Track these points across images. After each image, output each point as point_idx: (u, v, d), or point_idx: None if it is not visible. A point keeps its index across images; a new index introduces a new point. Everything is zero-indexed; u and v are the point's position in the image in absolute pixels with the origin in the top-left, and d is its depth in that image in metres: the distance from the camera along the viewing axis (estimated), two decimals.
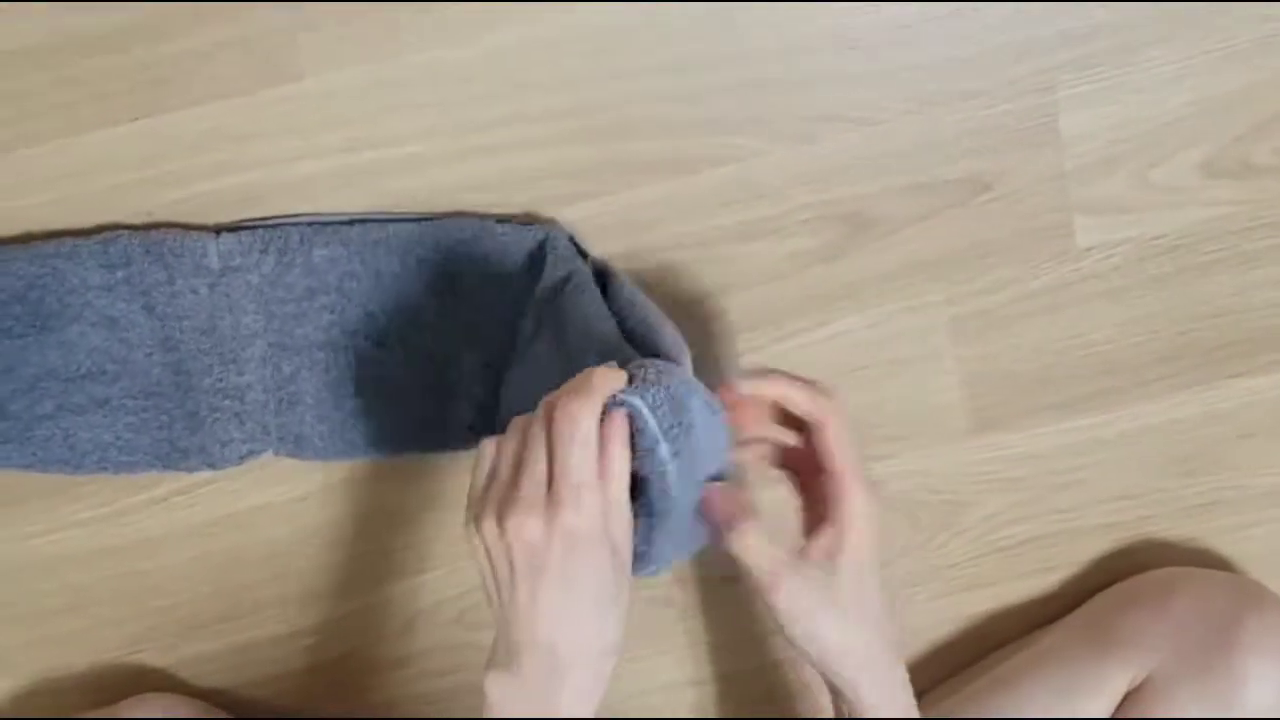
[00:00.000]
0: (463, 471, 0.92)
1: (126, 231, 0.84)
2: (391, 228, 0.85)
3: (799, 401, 0.72)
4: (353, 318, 0.87)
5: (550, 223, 0.87)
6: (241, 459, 0.89)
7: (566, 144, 0.87)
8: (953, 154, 0.89)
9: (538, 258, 0.85)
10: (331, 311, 0.86)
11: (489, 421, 0.89)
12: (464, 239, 0.85)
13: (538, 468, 0.67)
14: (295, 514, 0.93)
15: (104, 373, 0.86)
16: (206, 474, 0.91)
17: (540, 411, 0.69)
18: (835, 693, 0.74)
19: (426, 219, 0.86)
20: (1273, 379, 0.96)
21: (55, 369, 0.86)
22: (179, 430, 0.88)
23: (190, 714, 0.93)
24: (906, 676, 0.75)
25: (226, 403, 0.87)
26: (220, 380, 0.87)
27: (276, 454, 0.90)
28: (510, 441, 0.69)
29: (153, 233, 0.84)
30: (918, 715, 0.75)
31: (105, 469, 0.88)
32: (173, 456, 0.89)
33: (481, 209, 0.87)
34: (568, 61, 0.85)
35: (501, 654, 0.70)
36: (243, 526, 0.93)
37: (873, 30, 0.86)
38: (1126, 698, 0.89)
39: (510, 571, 0.68)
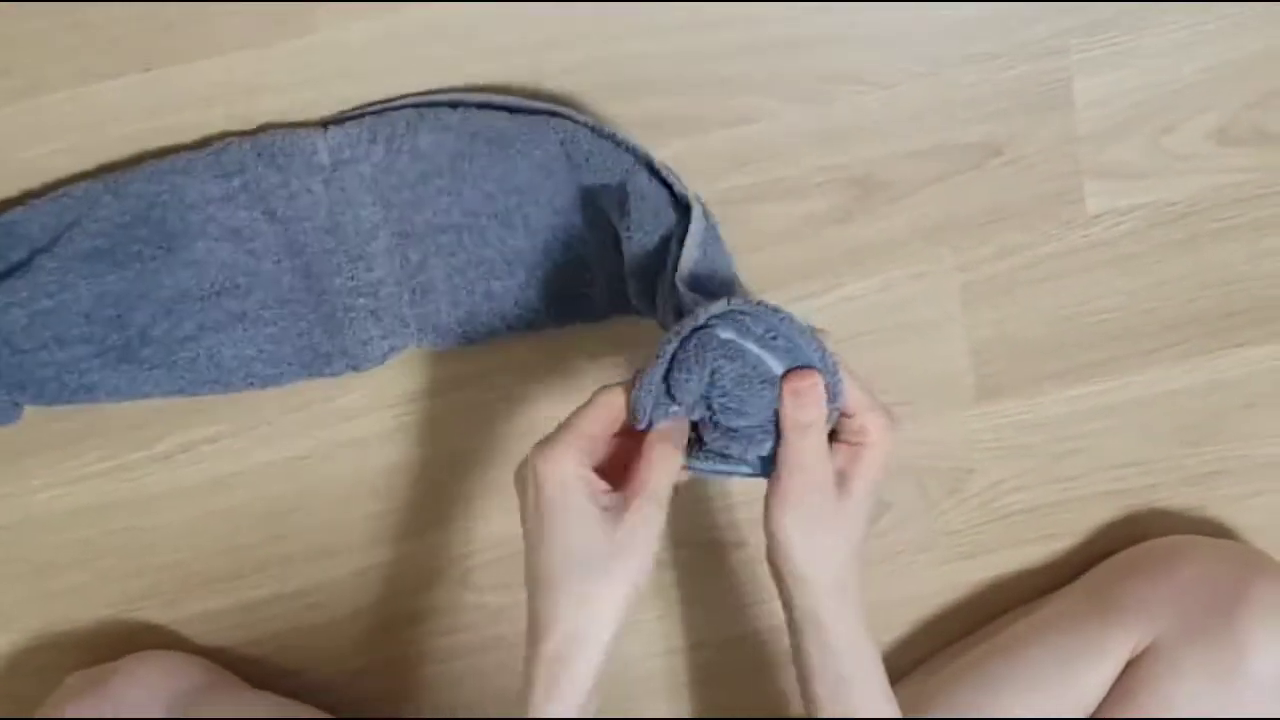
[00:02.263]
0: (471, 433, 0.93)
1: (236, 138, 0.83)
2: (484, 119, 0.83)
3: None
4: (471, 198, 0.85)
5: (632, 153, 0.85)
6: (384, 356, 0.88)
7: (581, 101, 0.86)
8: (965, 118, 0.89)
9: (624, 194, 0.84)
10: (448, 194, 0.84)
11: (623, 295, 0.86)
12: (558, 139, 0.84)
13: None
14: (299, 472, 0.93)
15: (237, 286, 0.85)
16: (215, 429, 0.91)
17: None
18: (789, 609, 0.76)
19: (520, 109, 0.84)
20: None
21: (188, 289, 0.85)
22: (319, 335, 0.87)
23: (192, 671, 0.93)
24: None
25: (360, 301, 0.86)
26: (351, 279, 0.85)
27: (419, 346, 0.88)
28: None
29: (261, 136, 0.83)
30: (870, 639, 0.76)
31: (253, 384, 0.87)
32: (316, 363, 0.88)
33: None
34: (578, 19, 0.84)
35: None
36: (246, 484, 0.93)
37: None
38: (1129, 665, 0.90)
39: None
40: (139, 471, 0.92)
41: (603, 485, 0.71)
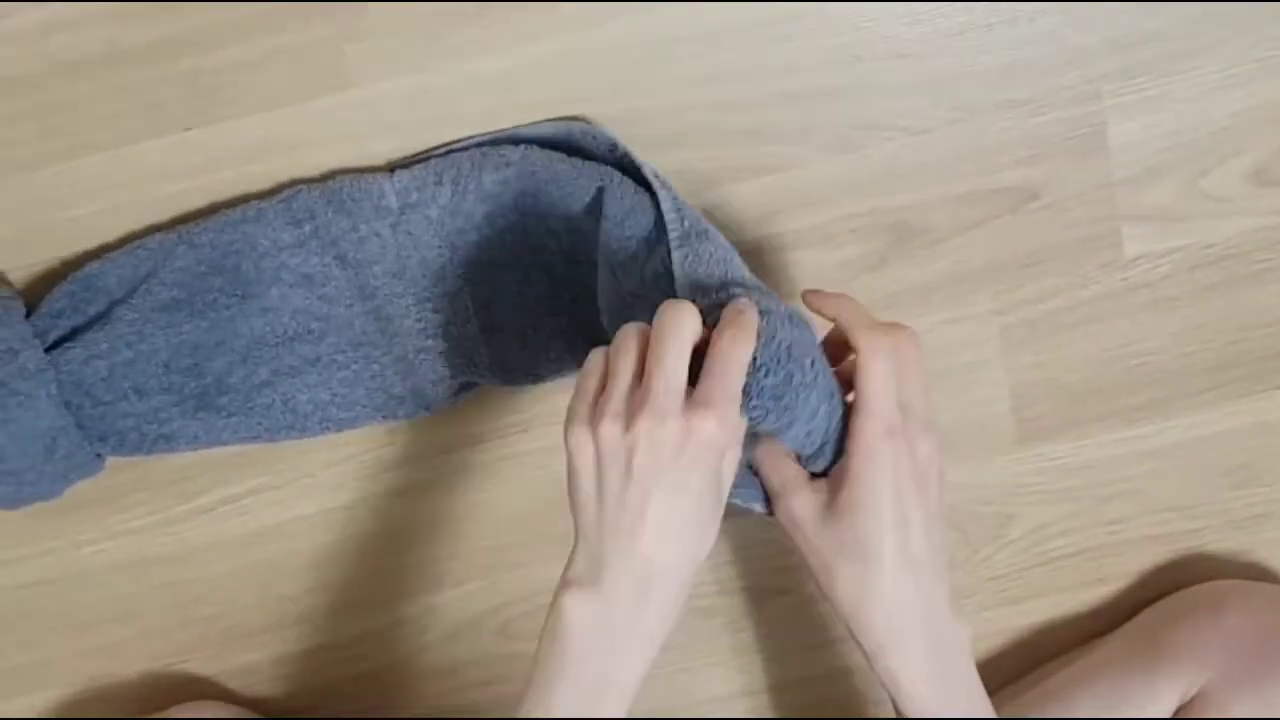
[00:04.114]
0: (510, 480, 0.93)
1: (305, 185, 0.84)
2: (543, 157, 0.83)
3: (853, 326, 0.73)
4: (536, 235, 0.84)
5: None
6: (457, 396, 0.88)
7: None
8: (1000, 163, 0.89)
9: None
10: (513, 233, 0.84)
11: None
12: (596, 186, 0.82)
13: (671, 374, 0.67)
14: (340, 524, 0.94)
15: (310, 331, 0.86)
16: (258, 481, 0.92)
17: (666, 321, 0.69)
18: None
19: (578, 152, 0.84)
20: None
21: (263, 336, 0.85)
22: (391, 377, 0.87)
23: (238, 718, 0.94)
24: (956, 639, 0.74)
25: (430, 342, 0.86)
26: (419, 320, 0.86)
27: (490, 384, 0.89)
28: (630, 349, 0.69)
29: (330, 182, 0.84)
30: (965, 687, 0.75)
31: (328, 428, 0.88)
32: (389, 405, 0.88)
33: None
34: (613, 72, 0.85)
35: (585, 569, 0.69)
36: (288, 536, 0.94)
37: (920, 40, 0.86)
38: (1178, 711, 0.88)
39: (624, 475, 0.67)
40: (183, 525, 0.93)
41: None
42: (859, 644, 0.73)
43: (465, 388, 0.89)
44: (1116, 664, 0.93)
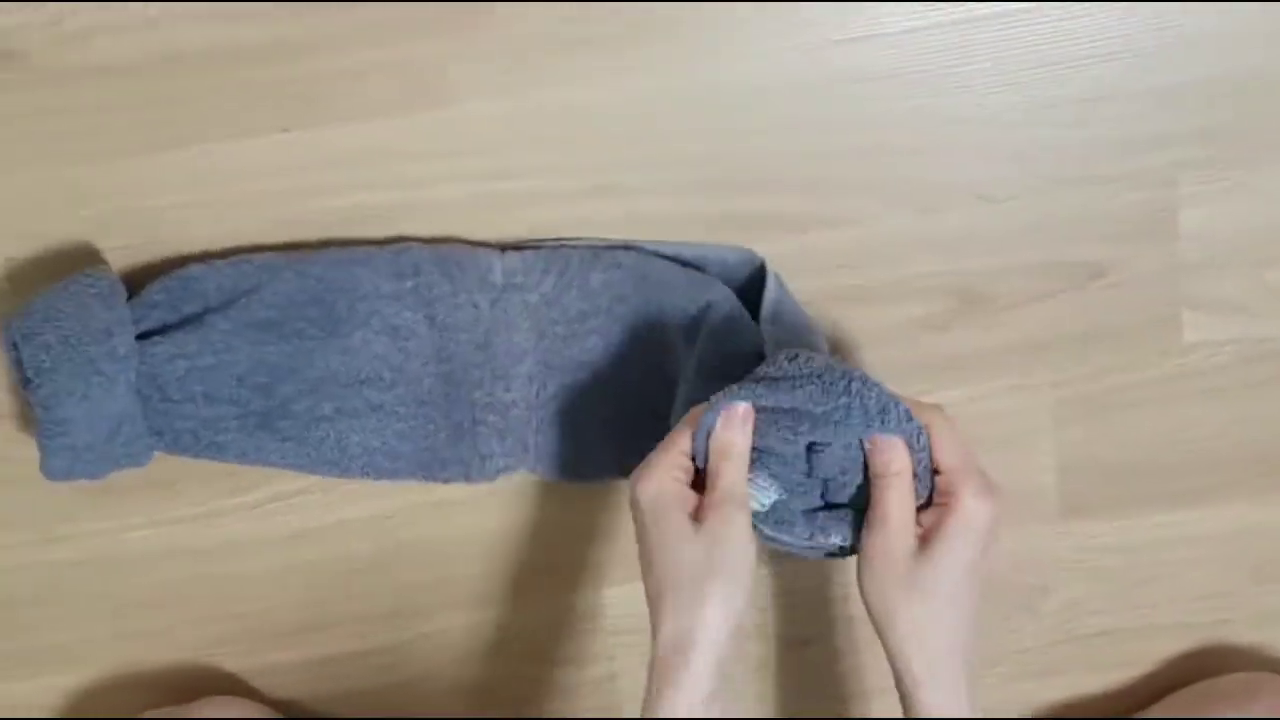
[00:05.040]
0: (555, 506, 0.94)
1: (417, 243, 0.86)
2: (656, 265, 0.87)
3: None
4: (621, 341, 0.88)
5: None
6: (498, 473, 0.90)
7: (689, 194, 0.88)
8: (1071, 238, 0.90)
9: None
10: (599, 335, 0.87)
11: None
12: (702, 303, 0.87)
13: None
14: (382, 531, 0.94)
15: (381, 379, 0.87)
16: (306, 482, 0.92)
17: None
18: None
19: (691, 264, 0.88)
20: None
21: (337, 373, 0.87)
22: (442, 440, 0.89)
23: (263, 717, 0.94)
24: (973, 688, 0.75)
25: (491, 418, 0.88)
26: (489, 395, 0.88)
27: (531, 471, 0.91)
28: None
29: (441, 246, 0.86)
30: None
31: (369, 474, 0.89)
32: (433, 466, 0.89)
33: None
34: (698, 114, 0.86)
35: None
36: (331, 539, 0.94)
37: (1002, 109, 0.87)
38: None
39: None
40: (229, 519, 0.93)
41: (695, 498, 0.75)
42: (899, 676, 0.74)
43: (507, 469, 0.90)
44: None
